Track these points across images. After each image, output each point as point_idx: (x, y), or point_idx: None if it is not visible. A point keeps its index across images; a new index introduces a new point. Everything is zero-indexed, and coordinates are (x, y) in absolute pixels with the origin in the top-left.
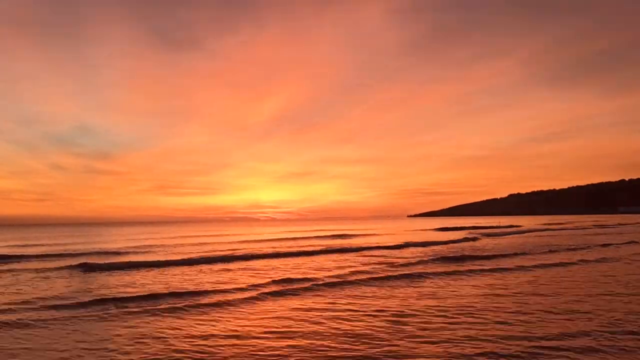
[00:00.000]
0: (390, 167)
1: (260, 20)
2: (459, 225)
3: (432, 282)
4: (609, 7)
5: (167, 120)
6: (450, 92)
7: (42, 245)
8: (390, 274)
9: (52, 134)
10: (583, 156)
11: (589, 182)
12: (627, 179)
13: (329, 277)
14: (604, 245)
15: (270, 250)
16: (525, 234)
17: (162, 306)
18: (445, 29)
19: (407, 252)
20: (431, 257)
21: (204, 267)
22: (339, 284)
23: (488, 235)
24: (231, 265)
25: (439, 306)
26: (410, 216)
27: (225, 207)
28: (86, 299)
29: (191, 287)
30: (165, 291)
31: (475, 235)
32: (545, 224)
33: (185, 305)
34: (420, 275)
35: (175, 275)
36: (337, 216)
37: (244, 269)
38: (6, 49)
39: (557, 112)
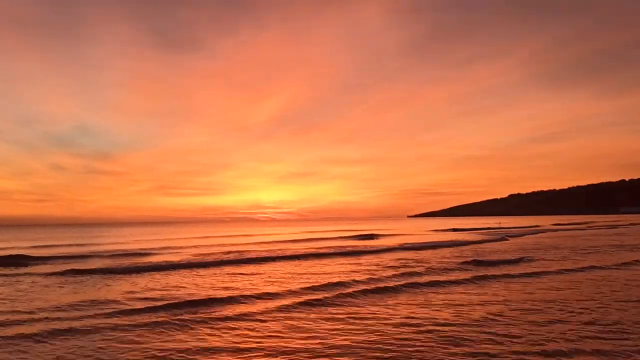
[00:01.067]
0: (390, 167)
1: (260, 21)
2: (468, 227)
3: (500, 284)
4: (609, 7)
5: (167, 120)
6: (450, 92)
7: (60, 246)
8: (449, 277)
9: (52, 134)
10: (583, 156)
11: (590, 182)
12: (627, 179)
13: (398, 277)
14: None
15: (312, 250)
16: (546, 233)
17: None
18: (445, 29)
19: (446, 253)
20: (473, 258)
21: (266, 267)
22: (412, 285)
23: (515, 235)
24: (280, 265)
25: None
26: (410, 216)
27: (225, 207)
28: (144, 305)
29: (274, 289)
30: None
31: (503, 235)
32: (556, 224)
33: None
34: (484, 278)
35: (234, 276)
36: (337, 217)
37: (299, 268)
38: (6, 49)
39: (557, 112)
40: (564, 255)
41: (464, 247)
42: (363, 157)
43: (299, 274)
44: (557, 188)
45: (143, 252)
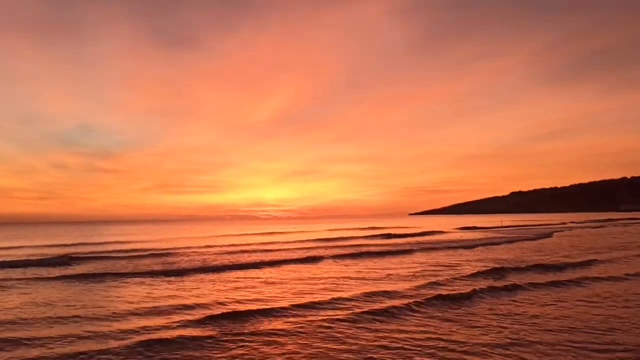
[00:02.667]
0: (391, 165)
1: (261, 20)
2: (480, 225)
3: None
4: (610, 6)
5: (169, 119)
6: (451, 91)
7: (86, 244)
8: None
9: (54, 133)
10: (584, 154)
11: (591, 180)
12: (628, 177)
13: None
14: None
15: (361, 250)
16: (574, 231)
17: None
18: (446, 28)
19: (504, 252)
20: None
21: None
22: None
23: (544, 234)
24: (342, 265)
25: None
26: (412, 214)
27: (227, 205)
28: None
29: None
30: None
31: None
32: (571, 221)
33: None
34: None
35: (317, 276)
36: (338, 215)
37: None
38: (8, 48)
39: (559, 110)
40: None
41: (512, 245)
42: (364, 156)
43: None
44: (559, 186)
45: (182, 251)
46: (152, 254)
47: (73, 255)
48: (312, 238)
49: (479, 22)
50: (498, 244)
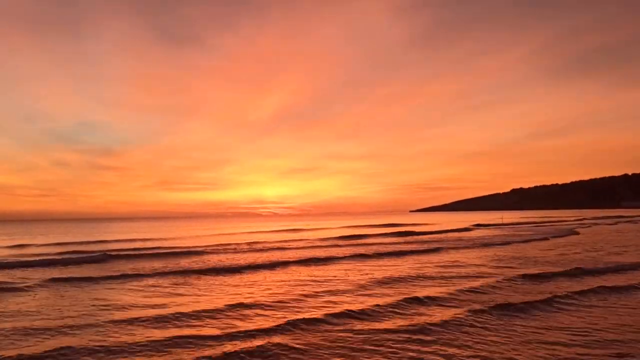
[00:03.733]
0: (392, 162)
1: (262, 16)
2: (485, 222)
3: None
4: (612, 3)
5: (170, 116)
6: (452, 88)
7: (109, 241)
8: None
9: (54, 131)
10: (585, 151)
11: (592, 177)
12: (630, 174)
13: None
14: None
15: (402, 248)
16: (593, 227)
17: None
18: (447, 24)
19: (546, 250)
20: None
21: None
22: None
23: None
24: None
25: None
26: (412, 211)
27: (227, 202)
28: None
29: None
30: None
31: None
32: (582, 218)
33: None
34: None
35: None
36: (339, 211)
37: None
38: (9, 46)
39: (560, 107)
40: None
41: (547, 243)
42: (365, 153)
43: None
44: (560, 183)
45: (214, 249)
46: (186, 252)
47: (108, 253)
48: (337, 235)
49: (478, 20)
50: (528, 241)
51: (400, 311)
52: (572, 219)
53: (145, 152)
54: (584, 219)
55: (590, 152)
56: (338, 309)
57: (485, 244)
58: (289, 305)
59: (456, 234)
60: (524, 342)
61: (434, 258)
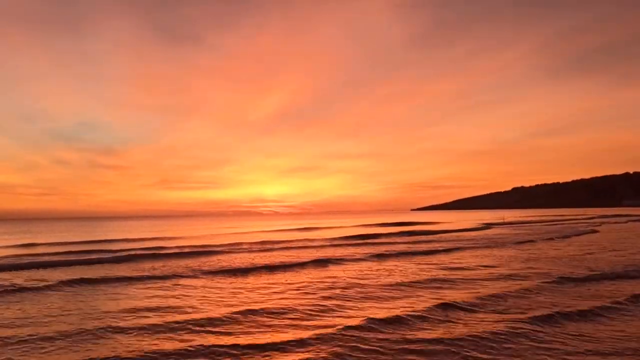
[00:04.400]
0: (392, 161)
1: (262, 16)
2: (492, 221)
3: None
4: (612, 2)
5: (170, 115)
6: (453, 86)
7: (137, 240)
8: None
9: (55, 130)
10: (587, 150)
11: (593, 176)
12: (631, 172)
13: None
14: None
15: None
16: (610, 226)
17: None
18: (447, 23)
19: (576, 249)
20: None
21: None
22: None
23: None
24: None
25: None
26: (413, 210)
27: (228, 201)
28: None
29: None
30: None
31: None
32: (592, 216)
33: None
34: None
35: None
36: (340, 210)
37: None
38: (9, 45)
39: (561, 105)
40: None
41: (577, 240)
42: (365, 151)
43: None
44: (561, 181)
45: (236, 247)
46: (209, 251)
47: (132, 254)
48: (354, 234)
49: (478, 18)
50: (549, 240)
51: (439, 318)
52: (580, 217)
53: (146, 151)
54: (593, 217)
55: (591, 151)
56: (382, 314)
57: (505, 243)
58: (330, 309)
59: (471, 233)
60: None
61: (459, 258)
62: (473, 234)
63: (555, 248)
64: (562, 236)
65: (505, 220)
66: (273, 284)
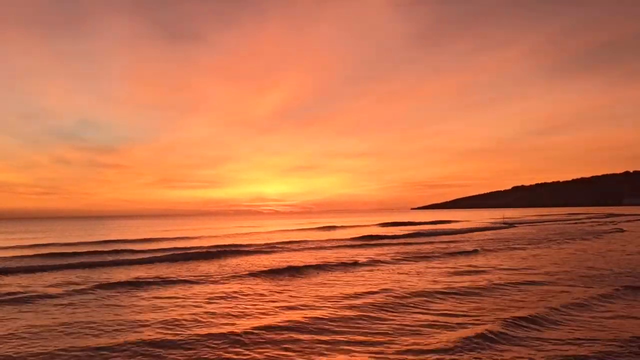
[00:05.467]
0: (393, 160)
1: (263, 13)
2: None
3: None
4: (611, 0)
5: (171, 113)
6: (454, 84)
7: (160, 239)
8: None
9: (56, 128)
10: (587, 148)
11: (594, 175)
12: (631, 171)
13: None
14: None
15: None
16: (629, 224)
17: None
18: (448, 21)
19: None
20: None
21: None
22: None
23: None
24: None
25: None
26: (414, 209)
27: (229, 200)
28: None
29: None
30: None
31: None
32: (599, 215)
33: None
34: None
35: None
36: (341, 209)
37: None
38: (10, 43)
39: (562, 104)
40: None
41: (610, 239)
42: (366, 150)
43: None
44: (561, 180)
45: (276, 246)
46: (265, 250)
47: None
48: (380, 233)
49: (480, 15)
50: (584, 239)
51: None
52: (583, 215)
53: (147, 149)
54: (607, 215)
55: (591, 150)
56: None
57: (533, 243)
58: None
59: (491, 232)
60: None
61: (498, 259)
62: (494, 232)
63: (594, 247)
64: (593, 235)
65: (505, 219)
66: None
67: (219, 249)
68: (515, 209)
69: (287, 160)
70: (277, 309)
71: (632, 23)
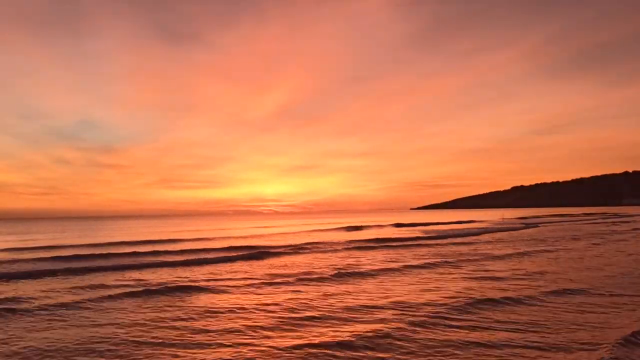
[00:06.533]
0: (392, 160)
1: (262, 14)
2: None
3: None
4: (611, 0)
5: (170, 113)
6: (453, 85)
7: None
8: None
9: (55, 128)
10: (586, 148)
11: (593, 175)
12: (630, 171)
13: None
14: None
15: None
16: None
17: None
18: (446, 21)
19: None
20: None
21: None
22: None
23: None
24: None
25: None
26: (413, 209)
27: (228, 200)
28: None
29: None
30: None
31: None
32: (606, 214)
33: None
34: None
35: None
36: (340, 209)
37: None
38: (9, 43)
39: (560, 104)
40: None
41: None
42: (365, 150)
43: None
44: (561, 180)
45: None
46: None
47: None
48: (410, 235)
49: (479, 15)
50: (620, 240)
51: None
52: (583, 215)
53: (146, 149)
54: (614, 215)
55: (591, 150)
56: None
57: (564, 241)
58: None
59: (517, 232)
60: None
61: (536, 261)
62: (527, 232)
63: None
64: (632, 234)
65: (504, 219)
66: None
67: (261, 250)
68: (515, 209)
69: (287, 160)
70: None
71: (628, 24)
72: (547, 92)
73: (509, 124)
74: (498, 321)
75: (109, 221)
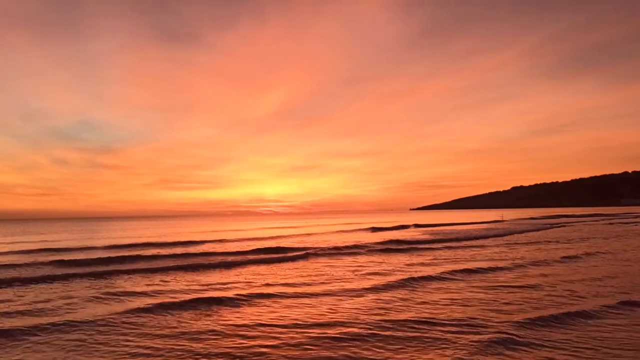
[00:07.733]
0: (392, 160)
1: (261, 15)
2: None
3: None
4: (610, 0)
5: (170, 114)
6: (452, 85)
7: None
8: None
9: (55, 129)
10: (586, 148)
11: (592, 175)
12: (630, 171)
13: None
14: None
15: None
16: None
17: None
18: (445, 22)
19: None
20: None
21: None
22: None
23: None
24: None
25: None
26: (413, 209)
27: (228, 201)
28: None
29: None
30: None
31: None
32: (609, 214)
33: None
34: None
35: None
36: (340, 210)
37: None
38: (9, 44)
39: (559, 104)
40: None
41: None
42: (365, 151)
43: None
44: (560, 180)
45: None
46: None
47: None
48: (432, 238)
49: (477, 17)
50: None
51: None
52: (585, 215)
53: (146, 150)
54: (626, 214)
55: (590, 150)
56: None
57: (608, 238)
58: None
59: (535, 233)
60: None
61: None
62: (537, 234)
63: None
64: None
65: (504, 219)
66: None
67: (296, 252)
68: (515, 209)
69: (286, 160)
70: None
71: (626, 24)
72: (546, 93)
73: (508, 124)
74: None
75: (112, 222)
